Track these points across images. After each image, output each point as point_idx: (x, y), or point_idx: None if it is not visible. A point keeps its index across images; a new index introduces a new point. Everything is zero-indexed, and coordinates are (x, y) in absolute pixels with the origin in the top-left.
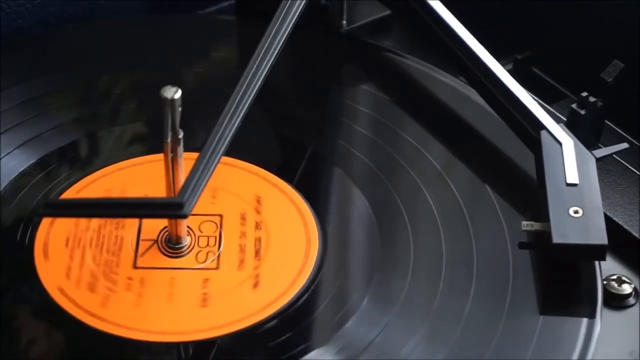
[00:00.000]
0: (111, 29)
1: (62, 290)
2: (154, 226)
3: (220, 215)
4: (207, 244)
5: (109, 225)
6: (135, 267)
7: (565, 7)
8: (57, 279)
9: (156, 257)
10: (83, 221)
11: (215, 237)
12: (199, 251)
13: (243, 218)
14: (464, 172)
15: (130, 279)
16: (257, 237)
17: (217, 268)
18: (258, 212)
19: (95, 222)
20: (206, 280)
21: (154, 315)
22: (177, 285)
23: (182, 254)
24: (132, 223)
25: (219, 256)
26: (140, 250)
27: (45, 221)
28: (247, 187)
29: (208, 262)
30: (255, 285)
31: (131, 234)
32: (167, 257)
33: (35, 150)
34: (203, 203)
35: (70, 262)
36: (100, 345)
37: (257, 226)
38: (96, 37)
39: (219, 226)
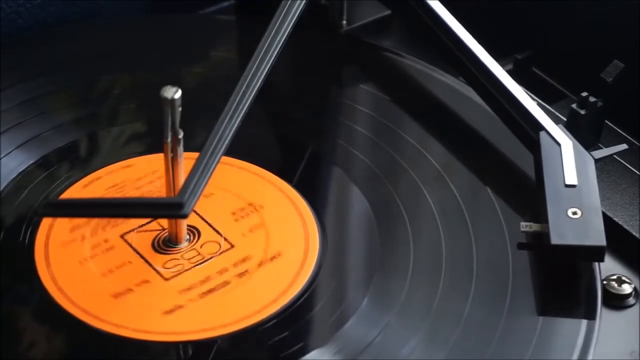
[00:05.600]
0: (111, 29)
1: (48, 234)
2: (146, 239)
3: (232, 246)
4: (189, 259)
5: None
6: (121, 236)
7: (565, 7)
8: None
9: (144, 242)
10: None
11: (202, 259)
12: (175, 259)
13: (243, 260)
14: (464, 172)
15: (105, 241)
16: (226, 282)
17: (167, 280)
18: (259, 265)
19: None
20: (145, 281)
21: (81, 279)
22: (123, 270)
23: (164, 252)
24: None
25: (180, 273)
26: (143, 228)
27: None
28: (281, 237)
29: (168, 270)
30: (169, 312)
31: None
32: (151, 247)
33: (35, 150)
34: (237, 231)
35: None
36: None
37: (241, 275)
38: (96, 37)
39: (218, 253)
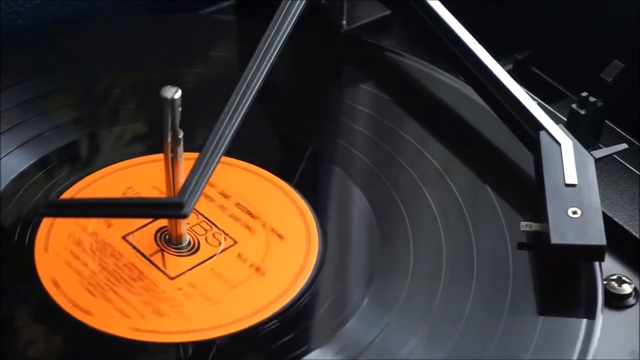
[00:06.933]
0: (111, 29)
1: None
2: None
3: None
4: (213, 227)
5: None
6: (173, 277)
7: (565, 7)
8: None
9: (179, 263)
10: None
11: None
12: (177, 259)
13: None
14: (464, 172)
15: (180, 289)
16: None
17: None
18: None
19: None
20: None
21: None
22: (224, 272)
23: (166, 252)
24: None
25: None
26: (160, 264)
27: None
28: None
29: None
30: (281, 237)
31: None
32: (185, 257)
33: (35, 150)
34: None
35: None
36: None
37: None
38: (96, 37)
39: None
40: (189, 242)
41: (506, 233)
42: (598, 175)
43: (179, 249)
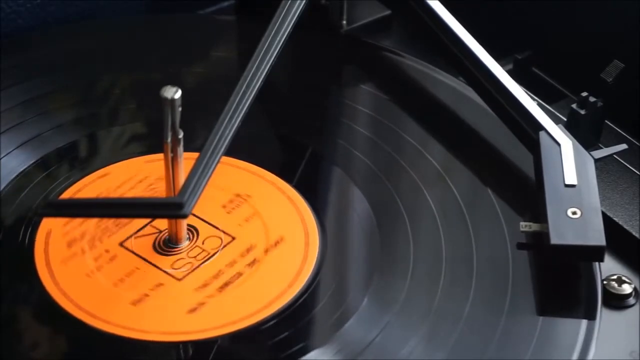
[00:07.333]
0: (111, 29)
1: (48, 234)
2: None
3: (233, 238)
4: (195, 257)
5: (140, 194)
6: (121, 244)
7: (565, 7)
8: (54, 224)
9: (145, 246)
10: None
11: (208, 254)
12: (181, 259)
13: (248, 250)
14: (464, 173)
15: (107, 251)
16: (239, 273)
17: (180, 279)
18: (266, 252)
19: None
20: (159, 285)
21: (93, 292)
22: (134, 276)
23: (167, 253)
24: None
25: (192, 271)
26: (140, 233)
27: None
28: (280, 223)
29: (178, 270)
30: (192, 311)
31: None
32: (153, 250)
33: (35, 150)
34: (232, 221)
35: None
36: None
37: (251, 264)
38: (96, 37)
39: (221, 246)
40: (176, 249)
41: (506, 233)
42: (598, 175)
43: (165, 243)
